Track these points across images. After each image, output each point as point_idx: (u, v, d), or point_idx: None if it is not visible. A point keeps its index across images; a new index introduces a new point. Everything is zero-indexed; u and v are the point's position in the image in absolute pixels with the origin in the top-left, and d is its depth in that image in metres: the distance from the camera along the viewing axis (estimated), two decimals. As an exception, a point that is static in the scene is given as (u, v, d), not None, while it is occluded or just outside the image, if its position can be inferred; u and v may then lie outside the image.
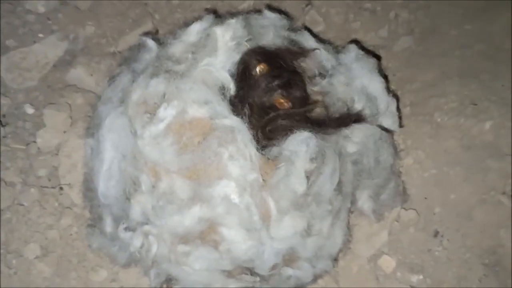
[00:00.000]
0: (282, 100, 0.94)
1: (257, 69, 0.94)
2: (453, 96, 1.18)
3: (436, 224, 1.06)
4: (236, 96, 0.92)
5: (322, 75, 1.02)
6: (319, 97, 0.99)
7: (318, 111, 0.97)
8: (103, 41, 1.35)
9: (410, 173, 1.10)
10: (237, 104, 0.91)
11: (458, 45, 1.29)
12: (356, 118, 0.94)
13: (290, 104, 0.94)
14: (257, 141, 0.87)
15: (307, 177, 0.85)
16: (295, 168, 0.84)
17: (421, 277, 1.01)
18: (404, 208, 1.07)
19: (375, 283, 1.03)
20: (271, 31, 1.01)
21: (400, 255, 1.05)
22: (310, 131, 0.86)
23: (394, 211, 1.07)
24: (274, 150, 0.87)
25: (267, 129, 0.89)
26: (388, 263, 1.04)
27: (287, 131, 0.88)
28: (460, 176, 1.07)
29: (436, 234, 1.05)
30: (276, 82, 0.93)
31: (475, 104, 1.13)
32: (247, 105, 0.91)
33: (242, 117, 0.88)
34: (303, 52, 1.01)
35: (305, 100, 0.96)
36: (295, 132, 0.87)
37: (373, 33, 1.37)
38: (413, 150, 1.13)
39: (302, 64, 1.01)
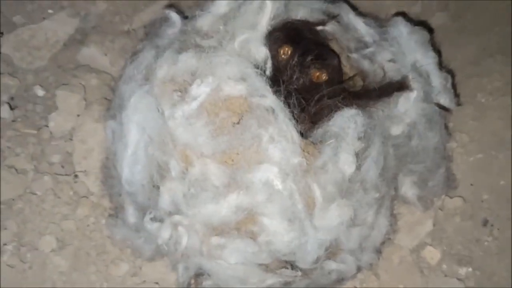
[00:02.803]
0: (318, 73, 0.86)
1: (281, 53, 0.86)
2: (497, 74, 1.10)
3: (485, 212, 0.98)
4: (272, 78, 0.84)
5: (360, 52, 0.94)
6: (359, 74, 0.91)
7: (359, 86, 0.89)
8: (116, 18, 1.26)
9: (454, 158, 1.03)
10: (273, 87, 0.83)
11: (497, 20, 1.21)
12: (399, 86, 0.86)
13: (327, 75, 0.86)
14: (301, 126, 0.79)
15: (357, 156, 0.77)
16: (346, 145, 0.76)
17: (469, 269, 0.94)
18: (449, 196, 1.00)
19: (419, 276, 0.96)
20: (307, 5, 0.92)
21: (446, 245, 0.98)
22: (356, 108, 0.79)
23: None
24: (319, 133, 0.79)
25: (313, 111, 0.81)
26: (432, 254, 0.97)
27: (332, 111, 0.80)
28: (509, 160, 1.00)
29: (485, 223, 0.97)
30: (308, 58, 0.85)
31: (523, 83, 1.05)
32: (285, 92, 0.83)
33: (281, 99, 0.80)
34: (323, 21, 0.93)
35: (341, 69, 0.89)
36: (342, 109, 0.79)
37: (405, 9, 1.28)
38: (455, 133, 1.06)
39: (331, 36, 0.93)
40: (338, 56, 0.90)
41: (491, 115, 1.06)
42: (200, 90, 0.78)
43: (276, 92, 0.80)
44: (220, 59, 0.80)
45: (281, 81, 0.81)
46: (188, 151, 0.79)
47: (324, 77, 0.86)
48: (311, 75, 0.86)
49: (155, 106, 0.81)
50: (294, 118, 0.79)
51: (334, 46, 0.93)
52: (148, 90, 0.83)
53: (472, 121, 1.07)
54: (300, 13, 0.92)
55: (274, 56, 0.86)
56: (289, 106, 0.79)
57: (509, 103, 1.05)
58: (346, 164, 0.78)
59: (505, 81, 1.09)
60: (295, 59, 0.85)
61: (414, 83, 0.85)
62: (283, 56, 0.86)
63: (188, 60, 0.81)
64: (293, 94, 0.81)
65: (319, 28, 0.92)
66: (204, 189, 0.78)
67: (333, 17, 0.94)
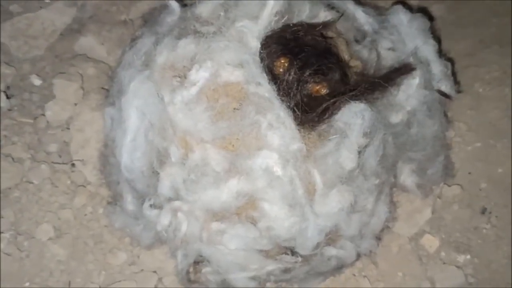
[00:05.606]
0: (318, 87, 0.80)
1: (278, 65, 0.80)
2: (494, 65, 1.11)
3: (483, 200, 0.99)
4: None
5: (359, 41, 0.94)
6: (357, 64, 0.90)
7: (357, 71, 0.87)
8: (113, 8, 1.26)
9: (452, 147, 1.04)
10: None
11: (494, 12, 1.22)
12: (405, 69, 0.84)
13: (327, 88, 0.80)
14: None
15: (359, 153, 0.77)
16: (349, 142, 0.76)
17: (468, 256, 0.95)
18: (447, 184, 1.00)
19: (417, 263, 0.96)
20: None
21: (444, 233, 0.98)
22: (365, 102, 0.77)
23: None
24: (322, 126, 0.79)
25: (320, 119, 0.79)
26: (431, 242, 0.97)
27: (339, 107, 0.78)
28: (507, 148, 1.01)
29: (483, 210, 0.98)
30: (306, 73, 0.79)
31: (520, 73, 1.06)
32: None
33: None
34: (325, 25, 0.89)
35: (346, 76, 0.83)
36: (349, 103, 0.77)
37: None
38: (453, 122, 1.06)
39: (333, 33, 0.92)
40: (341, 67, 0.84)
41: (489, 105, 1.06)
42: (199, 76, 0.78)
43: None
44: (219, 45, 0.79)
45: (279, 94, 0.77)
46: (188, 136, 0.79)
47: (324, 90, 0.80)
48: (311, 90, 0.80)
49: (155, 91, 0.80)
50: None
51: (335, 41, 0.91)
52: (148, 75, 0.82)
53: (469, 110, 1.07)
54: (303, 8, 0.90)
55: (270, 69, 0.80)
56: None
57: (506, 93, 1.06)
58: (347, 160, 0.77)
59: (502, 71, 1.10)
60: (292, 73, 0.79)
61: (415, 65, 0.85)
62: (280, 69, 0.80)
63: (187, 45, 0.81)
64: (294, 109, 0.77)
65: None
66: (205, 174, 0.77)
67: (339, 17, 0.90)
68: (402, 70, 0.84)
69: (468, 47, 1.18)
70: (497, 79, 1.09)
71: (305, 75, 0.79)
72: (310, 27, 0.86)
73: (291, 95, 0.79)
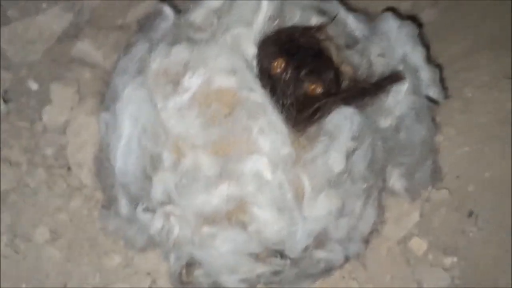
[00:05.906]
0: (313, 86, 0.83)
1: (276, 66, 0.83)
2: (485, 69, 1.12)
3: (470, 204, 1.00)
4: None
5: (349, 47, 0.96)
6: (348, 69, 0.92)
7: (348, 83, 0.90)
8: (110, 13, 1.27)
9: (441, 151, 1.04)
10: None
11: (487, 16, 1.22)
12: (395, 78, 0.87)
13: (322, 87, 0.84)
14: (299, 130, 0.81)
15: (347, 156, 0.79)
16: (338, 144, 0.78)
17: (455, 259, 0.96)
18: (435, 188, 1.02)
19: (405, 266, 0.97)
20: (299, 4, 0.93)
21: (432, 236, 0.99)
22: (354, 106, 0.80)
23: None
24: (313, 128, 0.81)
25: (312, 120, 0.82)
26: (419, 245, 0.98)
27: (329, 109, 0.82)
28: (495, 152, 1.01)
29: (470, 214, 0.99)
30: (302, 73, 0.82)
31: (510, 78, 1.07)
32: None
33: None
34: (320, 26, 0.93)
35: (338, 80, 0.87)
36: (339, 107, 0.80)
37: (395, 6, 1.30)
38: (442, 126, 1.07)
39: (325, 36, 0.94)
40: (334, 68, 0.87)
41: (478, 109, 1.07)
42: (192, 82, 0.80)
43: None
44: (212, 52, 0.81)
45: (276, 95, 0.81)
46: (180, 142, 0.81)
47: (319, 89, 0.83)
48: (306, 89, 0.83)
49: (149, 98, 0.82)
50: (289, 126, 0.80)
51: (327, 44, 0.94)
52: (142, 82, 0.84)
53: (459, 115, 1.08)
54: (294, 13, 0.92)
55: (267, 69, 0.83)
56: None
57: (495, 97, 1.07)
58: (336, 162, 0.80)
59: (492, 75, 1.10)
60: (289, 73, 0.82)
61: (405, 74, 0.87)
62: (277, 69, 0.83)
63: (180, 52, 0.83)
64: (289, 108, 0.81)
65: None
66: (196, 179, 0.79)
67: (332, 19, 0.93)
68: (393, 78, 0.87)
69: (459, 51, 1.19)
70: (487, 83, 1.09)
71: (301, 75, 0.82)
72: (304, 30, 0.89)
73: (288, 94, 0.82)
